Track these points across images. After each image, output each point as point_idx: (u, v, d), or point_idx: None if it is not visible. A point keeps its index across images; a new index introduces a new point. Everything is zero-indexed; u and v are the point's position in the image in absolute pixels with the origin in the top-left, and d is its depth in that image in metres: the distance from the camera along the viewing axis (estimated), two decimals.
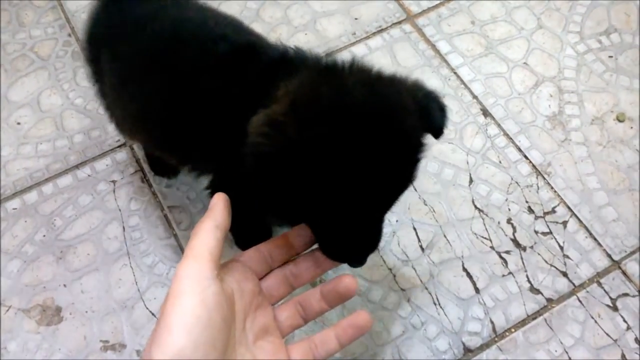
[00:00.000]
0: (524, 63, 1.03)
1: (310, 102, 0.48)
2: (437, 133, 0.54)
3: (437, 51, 1.05)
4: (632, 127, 0.96)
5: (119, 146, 0.95)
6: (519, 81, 1.02)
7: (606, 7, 1.09)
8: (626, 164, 0.93)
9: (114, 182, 0.92)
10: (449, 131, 0.97)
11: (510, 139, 0.96)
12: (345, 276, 0.48)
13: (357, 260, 0.54)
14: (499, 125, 0.97)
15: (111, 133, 0.96)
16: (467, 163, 0.94)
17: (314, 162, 0.46)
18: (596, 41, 1.05)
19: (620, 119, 0.97)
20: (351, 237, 0.52)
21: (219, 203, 0.46)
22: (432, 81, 1.01)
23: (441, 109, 0.55)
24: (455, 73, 1.03)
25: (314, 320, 0.52)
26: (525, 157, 0.94)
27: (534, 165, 0.93)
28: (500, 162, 0.94)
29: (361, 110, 0.47)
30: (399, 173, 0.50)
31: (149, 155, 0.92)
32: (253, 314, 0.47)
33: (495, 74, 1.02)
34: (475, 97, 1.00)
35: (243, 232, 0.83)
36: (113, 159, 0.94)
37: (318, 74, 0.52)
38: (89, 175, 0.93)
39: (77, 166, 0.93)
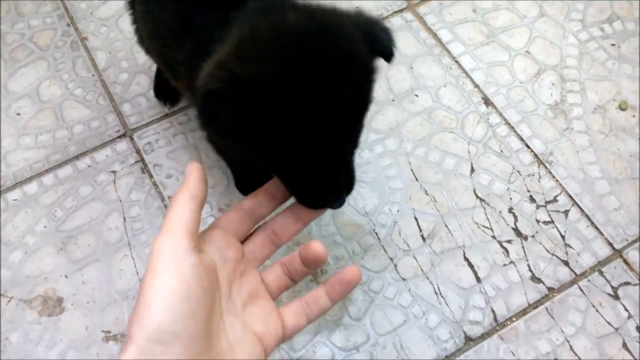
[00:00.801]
0: (526, 51, 1.03)
1: (252, 39, 0.49)
2: (387, 54, 0.55)
3: (439, 40, 1.04)
4: (634, 116, 0.96)
5: (119, 137, 0.95)
6: (521, 70, 1.01)
7: None
8: (628, 152, 0.93)
9: (114, 172, 0.92)
10: (450, 120, 0.96)
11: (512, 128, 0.96)
12: (313, 243, 0.47)
13: (332, 200, 0.53)
14: (500, 115, 0.97)
15: (111, 123, 0.96)
16: (469, 152, 0.94)
17: (262, 96, 0.46)
18: (599, 29, 1.04)
19: (622, 107, 0.96)
20: (321, 177, 0.52)
21: (193, 173, 0.45)
22: (434, 70, 1.01)
23: (385, 31, 0.55)
24: (456, 62, 1.02)
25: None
26: (527, 146, 0.94)
27: (535, 155, 0.93)
28: (501, 151, 0.94)
29: (301, 38, 0.48)
30: (349, 96, 0.49)
31: (156, 78, 0.97)
32: (239, 281, 0.47)
33: (497, 62, 1.02)
34: (476, 85, 1.00)
35: (242, 177, 0.85)
36: (113, 150, 0.94)
37: (260, 14, 0.53)
38: (89, 166, 0.92)
39: (77, 157, 0.93)
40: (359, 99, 0.51)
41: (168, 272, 0.39)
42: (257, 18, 0.52)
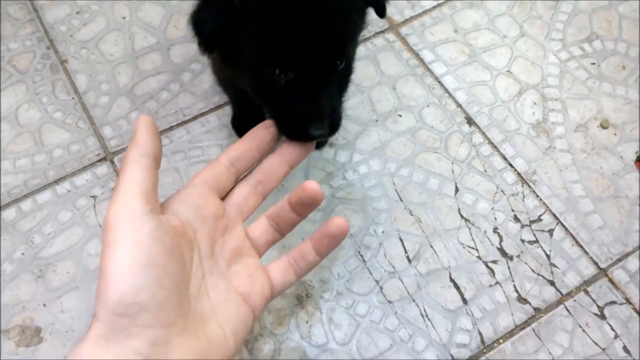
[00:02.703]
0: (508, 71, 1.03)
1: None
2: (380, 7, 0.61)
3: (421, 60, 1.04)
4: (615, 134, 0.96)
5: (100, 160, 0.93)
6: (503, 89, 1.02)
7: (588, 14, 1.09)
8: (610, 170, 0.93)
9: (94, 197, 0.90)
10: (433, 140, 0.96)
11: (495, 147, 0.96)
12: (308, 182, 0.45)
13: (313, 124, 0.52)
14: (483, 134, 0.97)
15: (92, 147, 0.94)
16: (453, 172, 0.94)
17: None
18: (579, 48, 1.05)
19: (604, 125, 0.97)
20: (303, 97, 0.52)
21: (140, 127, 0.41)
22: (416, 90, 1.01)
23: None
24: (439, 82, 1.02)
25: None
26: (511, 165, 0.94)
27: (519, 174, 0.93)
28: (485, 170, 0.94)
29: None
30: (338, 11, 0.52)
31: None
32: (222, 238, 0.44)
33: (479, 82, 1.02)
34: (459, 105, 1.00)
35: (239, 115, 0.88)
36: (93, 174, 0.92)
37: None
38: (68, 191, 0.91)
39: (56, 181, 0.91)
40: (347, 18, 0.53)
41: (124, 241, 0.36)
42: None
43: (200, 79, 1.01)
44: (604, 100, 1.00)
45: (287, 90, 0.54)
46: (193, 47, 1.04)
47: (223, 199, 0.46)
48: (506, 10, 1.10)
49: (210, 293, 0.41)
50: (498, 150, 0.95)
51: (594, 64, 1.04)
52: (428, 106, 1.00)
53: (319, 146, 0.97)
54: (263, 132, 0.49)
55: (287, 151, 0.49)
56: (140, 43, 1.05)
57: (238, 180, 0.48)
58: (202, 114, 0.98)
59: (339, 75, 0.57)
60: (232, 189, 0.47)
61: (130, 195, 0.37)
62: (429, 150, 0.96)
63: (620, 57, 1.04)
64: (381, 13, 0.62)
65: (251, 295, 0.43)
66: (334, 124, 0.57)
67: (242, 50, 0.55)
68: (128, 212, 0.37)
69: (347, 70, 0.61)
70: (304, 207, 0.46)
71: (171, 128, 0.97)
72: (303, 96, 0.53)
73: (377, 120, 0.99)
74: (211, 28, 0.55)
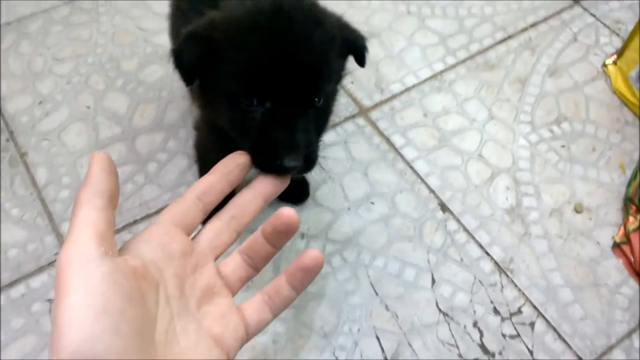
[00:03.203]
0: (479, 155, 1.03)
1: (227, 17, 0.57)
2: (360, 53, 0.63)
3: (392, 145, 1.03)
4: (590, 219, 0.95)
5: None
6: (475, 173, 1.00)
7: (554, 96, 1.10)
8: (588, 257, 0.91)
9: (50, 301, 0.84)
10: (408, 228, 0.94)
11: (471, 234, 0.93)
12: (283, 209, 0.43)
13: (288, 155, 0.52)
14: (457, 221, 0.95)
15: (49, 245, 0.89)
16: (429, 262, 0.91)
17: (231, 33, 0.55)
18: (548, 130, 1.06)
19: (578, 210, 0.96)
20: (279, 131, 0.53)
21: (94, 164, 0.38)
22: (388, 176, 0.99)
23: (362, 38, 0.63)
24: (410, 167, 1.01)
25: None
26: (487, 253, 0.92)
27: (496, 262, 0.91)
28: (462, 259, 0.91)
29: (280, 2, 0.55)
30: (318, 51, 0.55)
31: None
32: (192, 277, 0.41)
33: (451, 166, 1.01)
34: (432, 191, 0.98)
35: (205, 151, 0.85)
36: (50, 275, 0.87)
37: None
38: (23, 295, 0.85)
39: (10, 284, 0.86)
40: (325, 54, 0.56)
41: (77, 287, 0.33)
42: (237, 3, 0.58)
43: (167, 169, 0.98)
44: (576, 184, 0.99)
45: (263, 122, 0.54)
46: (159, 136, 1.02)
47: (195, 237, 0.44)
48: (474, 93, 1.10)
49: (180, 338, 0.38)
50: (474, 238, 0.93)
51: (563, 146, 1.04)
52: (401, 192, 0.98)
53: (299, 200, 0.96)
54: (231, 163, 0.47)
55: (261, 185, 0.48)
56: (104, 133, 1.02)
57: (207, 215, 0.45)
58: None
59: (317, 113, 0.58)
60: (204, 225, 0.45)
61: (83, 237, 0.35)
62: (403, 239, 0.93)
63: (590, 138, 1.05)
64: (361, 61, 0.64)
65: (225, 337, 0.40)
66: (310, 160, 0.57)
67: (221, 81, 0.56)
68: (81, 255, 0.34)
69: (326, 110, 0.62)
70: (280, 236, 0.44)
71: (135, 222, 0.93)
72: (279, 127, 0.54)
73: (349, 208, 0.96)
74: (191, 60, 0.57)
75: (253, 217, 0.46)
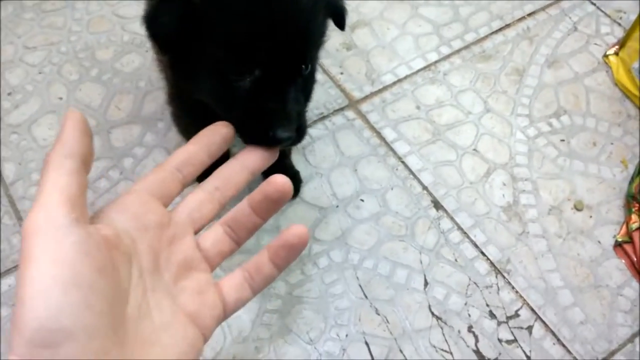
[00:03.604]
0: (474, 149, 0.97)
1: None
2: (340, 16, 0.60)
3: (383, 139, 0.98)
4: (591, 216, 0.90)
5: None
6: (470, 169, 0.95)
7: (553, 88, 1.05)
8: (589, 257, 0.87)
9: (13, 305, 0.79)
10: (399, 227, 0.89)
11: (465, 233, 0.89)
12: (276, 175, 0.40)
13: (281, 127, 0.49)
14: (452, 219, 0.90)
15: (17, 246, 0.84)
16: (421, 262, 0.86)
17: None
18: (546, 124, 1.01)
19: (578, 207, 0.91)
20: (269, 100, 0.50)
21: (67, 123, 0.35)
22: (379, 172, 0.94)
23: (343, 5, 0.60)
24: (402, 162, 0.96)
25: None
26: (482, 253, 0.87)
27: (492, 263, 0.86)
28: (456, 260, 0.86)
29: None
30: (306, 13, 0.51)
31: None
32: (167, 250, 0.38)
33: (445, 162, 0.96)
34: (425, 187, 0.93)
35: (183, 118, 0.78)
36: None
37: None
38: None
39: None
40: (313, 18, 0.52)
41: (44, 256, 0.30)
42: None
43: (143, 164, 0.93)
44: (576, 180, 0.94)
45: (251, 92, 0.51)
46: (136, 129, 0.96)
47: (175, 207, 0.41)
48: (469, 85, 1.05)
49: (154, 314, 0.35)
50: (468, 237, 0.88)
51: (563, 140, 0.99)
52: (392, 189, 0.93)
53: (287, 172, 0.89)
54: (213, 134, 0.44)
55: (249, 157, 0.44)
56: None
57: (185, 186, 0.42)
58: None
59: (303, 82, 0.55)
60: (187, 196, 0.42)
61: (52, 202, 0.31)
62: (394, 239, 0.88)
63: (590, 132, 1.00)
64: (341, 24, 0.61)
65: (201, 315, 0.38)
66: (300, 130, 0.54)
67: (203, 48, 0.51)
68: (49, 222, 0.31)
69: (311, 78, 0.58)
70: (270, 206, 0.41)
71: None
72: (269, 96, 0.51)
73: (337, 206, 0.91)
74: (169, 28, 0.51)
75: (238, 190, 0.43)
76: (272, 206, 0.41)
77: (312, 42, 0.54)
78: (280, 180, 0.40)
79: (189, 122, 0.75)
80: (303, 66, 0.53)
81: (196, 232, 0.41)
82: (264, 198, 0.40)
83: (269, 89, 0.51)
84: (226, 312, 0.40)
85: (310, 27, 0.53)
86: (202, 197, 0.41)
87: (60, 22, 1.10)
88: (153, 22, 0.52)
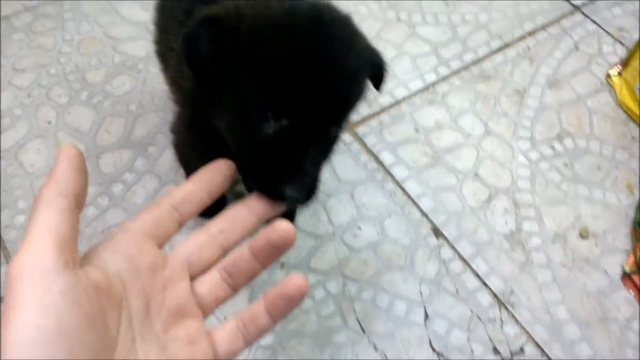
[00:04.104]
0: (475, 174, 0.94)
1: (257, 10, 0.48)
2: (380, 80, 0.57)
3: (380, 163, 0.95)
4: (597, 245, 0.87)
5: None
6: (471, 194, 0.92)
7: (555, 110, 1.02)
8: (596, 288, 0.83)
9: None
10: (398, 256, 0.85)
11: (467, 263, 0.85)
12: (279, 221, 0.38)
13: (290, 184, 0.45)
14: (452, 247, 0.87)
15: (2, 278, 0.80)
16: (421, 294, 0.83)
17: (263, 32, 0.46)
18: (549, 147, 0.98)
19: (583, 235, 0.88)
20: (289, 156, 0.47)
21: (61, 158, 0.34)
22: (377, 198, 0.91)
23: (384, 64, 0.57)
24: (401, 187, 0.93)
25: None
26: (485, 284, 0.83)
27: (495, 295, 0.83)
28: (457, 291, 0.83)
29: (317, 12, 0.48)
30: (349, 71, 0.48)
31: None
32: (160, 294, 0.37)
33: (445, 187, 0.93)
34: (424, 214, 0.90)
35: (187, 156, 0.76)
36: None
37: None
38: None
39: None
40: (356, 80, 0.49)
41: (30, 304, 0.28)
42: None
43: (133, 191, 0.90)
44: (581, 206, 0.91)
45: (273, 139, 0.48)
46: (126, 154, 0.93)
47: (174, 249, 0.40)
48: (469, 106, 1.02)
49: None
50: (470, 267, 0.85)
51: (566, 164, 0.96)
52: (390, 216, 0.90)
53: (291, 216, 0.87)
54: (215, 172, 0.42)
55: (256, 204, 0.43)
56: None
57: (182, 226, 0.41)
58: None
59: (327, 141, 0.52)
60: (189, 237, 0.41)
61: (40, 244, 0.30)
62: (393, 269, 0.85)
63: (594, 156, 0.97)
64: (378, 87, 0.59)
65: None
66: (310, 192, 0.51)
67: (235, 83, 0.49)
68: (36, 266, 0.30)
69: (335, 141, 0.55)
70: (271, 252, 0.39)
71: None
72: (289, 149, 0.48)
73: (334, 234, 0.88)
74: (206, 49, 0.49)
75: (243, 236, 0.41)
76: (275, 252, 0.39)
77: (350, 106, 0.51)
78: (285, 227, 0.38)
79: (192, 154, 0.72)
80: (333, 127, 0.51)
81: (193, 277, 0.39)
82: (267, 244, 0.39)
83: (291, 141, 0.48)
84: None
85: (352, 91, 0.50)
86: (203, 240, 0.40)
87: (50, 43, 1.07)
88: (192, 41, 0.49)
